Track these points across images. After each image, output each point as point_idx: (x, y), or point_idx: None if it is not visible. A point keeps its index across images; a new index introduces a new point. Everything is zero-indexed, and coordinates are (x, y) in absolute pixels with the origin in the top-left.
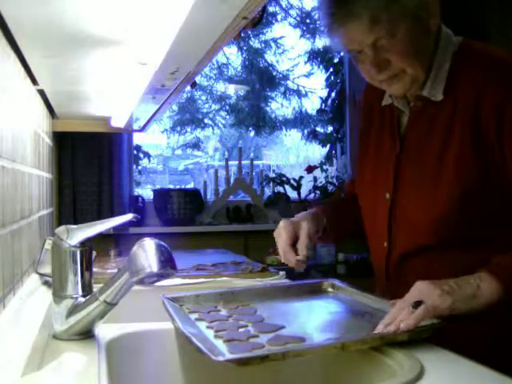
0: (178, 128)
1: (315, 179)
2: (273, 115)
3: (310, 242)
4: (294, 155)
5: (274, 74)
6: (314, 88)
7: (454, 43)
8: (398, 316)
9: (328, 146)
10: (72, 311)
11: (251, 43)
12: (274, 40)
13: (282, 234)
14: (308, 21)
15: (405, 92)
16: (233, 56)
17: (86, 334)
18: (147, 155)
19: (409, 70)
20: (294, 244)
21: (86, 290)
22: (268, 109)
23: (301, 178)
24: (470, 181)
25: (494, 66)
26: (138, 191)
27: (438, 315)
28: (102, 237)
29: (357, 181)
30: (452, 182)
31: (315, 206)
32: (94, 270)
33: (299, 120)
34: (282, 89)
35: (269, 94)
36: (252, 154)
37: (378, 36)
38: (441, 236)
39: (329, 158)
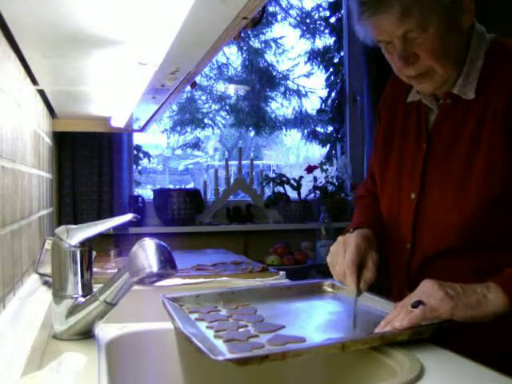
0: (178, 128)
1: (315, 179)
2: (273, 115)
3: (374, 273)
4: (294, 155)
5: (274, 74)
6: (314, 88)
7: (486, 40)
8: (397, 316)
9: (328, 145)
10: (72, 311)
11: (251, 43)
12: (274, 40)
13: (351, 248)
14: (308, 21)
15: (434, 90)
16: (233, 56)
17: (86, 334)
18: (147, 155)
19: (438, 69)
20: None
21: (86, 290)
22: (268, 109)
23: (301, 178)
24: (498, 182)
25: None
26: (137, 191)
27: (436, 318)
28: (101, 237)
29: (377, 179)
30: (481, 184)
31: (363, 222)
32: (94, 269)
33: (299, 120)
34: (282, 89)
35: (269, 94)
36: (252, 154)
37: (409, 28)
38: (467, 238)
39: (329, 158)
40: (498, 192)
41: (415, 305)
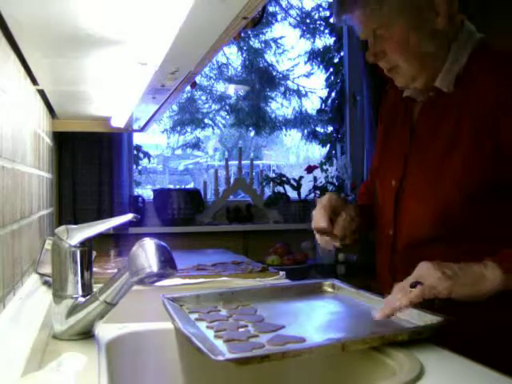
0: (178, 128)
1: (315, 179)
2: (273, 115)
3: (351, 222)
4: (294, 155)
5: (274, 74)
6: (313, 88)
7: (474, 40)
8: (395, 297)
9: (328, 145)
10: (72, 311)
11: (251, 43)
12: (274, 40)
13: (323, 201)
14: (308, 21)
15: (406, 85)
16: (233, 56)
17: (86, 334)
18: (147, 155)
19: (402, 65)
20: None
21: (86, 290)
22: (268, 109)
23: (301, 178)
24: (473, 178)
25: (506, 65)
26: (137, 191)
27: (435, 297)
28: (101, 237)
29: (376, 174)
30: (456, 179)
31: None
32: (94, 269)
33: (299, 120)
34: (282, 89)
35: (269, 94)
36: (252, 154)
37: (378, 25)
38: (442, 230)
39: (329, 158)
40: (473, 187)
41: (413, 285)
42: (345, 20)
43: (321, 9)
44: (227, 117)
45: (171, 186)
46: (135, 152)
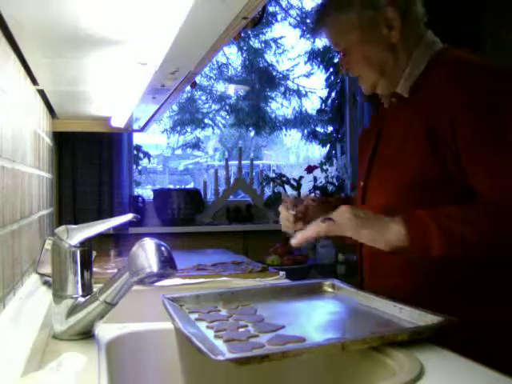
0: (178, 128)
1: (315, 179)
2: (273, 115)
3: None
4: (294, 155)
5: (274, 74)
6: (313, 88)
7: (435, 49)
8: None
9: (328, 145)
10: (72, 311)
11: (251, 43)
12: (274, 40)
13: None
14: (308, 21)
15: (370, 92)
16: (233, 56)
17: (86, 334)
18: (147, 155)
19: (364, 74)
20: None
21: (86, 290)
22: (268, 109)
23: (301, 178)
24: (424, 174)
25: (457, 72)
26: (137, 191)
27: (341, 233)
28: (101, 237)
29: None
30: (407, 174)
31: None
32: (94, 269)
33: (299, 120)
34: (282, 89)
35: (269, 94)
36: (252, 154)
37: (341, 40)
38: None
39: (329, 158)
40: (423, 183)
41: (323, 220)
42: (319, 34)
43: None
44: (227, 117)
45: (171, 186)
46: (135, 152)
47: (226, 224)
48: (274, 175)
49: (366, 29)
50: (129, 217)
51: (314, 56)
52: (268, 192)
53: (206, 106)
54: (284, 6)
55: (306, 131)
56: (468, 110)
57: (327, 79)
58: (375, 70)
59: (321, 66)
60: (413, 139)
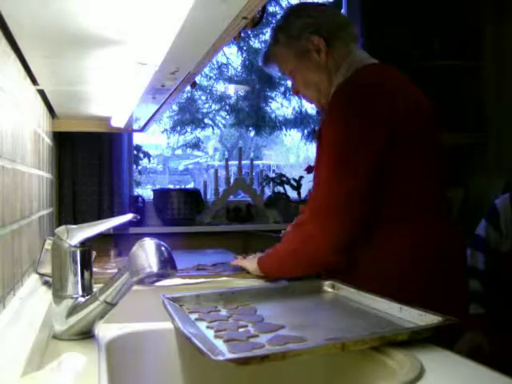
0: (178, 128)
1: None
2: (273, 115)
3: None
4: (294, 155)
5: (274, 73)
6: None
7: (355, 67)
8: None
9: None
10: (72, 311)
11: (251, 43)
12: None
13: None
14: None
15: (320, 107)
16: (233, 56)
17: (86, 334)
18: (147, 155)
19: (308, 94)
20: None
21: (86, 290)
22: (268, 109)
23: (301, 178)
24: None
25: (342, 84)
26: (137, 191)
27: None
28: (102, 237)
29: None
30: (317, 172)
31: None
32: (94, 269)
33: (299, 120)
34: (282, 89)
35: (269, 94)
36: (252, 154)
37: (283, 70)
38: None
39: None
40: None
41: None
42: (269, 66)
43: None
44: (227, 117)
45: (171, 186)
46: (135, 152)
47: (225, 224)
48: (273, 175)
49: (300, 57)
50: (129, 217)
51: None
52: (268, 192)
53: (206, 106)
54: (284, 5)
55: (306, 131)
56: (325, 127)
57: None
58: (315, 90)
59: None
60: (321, 146)
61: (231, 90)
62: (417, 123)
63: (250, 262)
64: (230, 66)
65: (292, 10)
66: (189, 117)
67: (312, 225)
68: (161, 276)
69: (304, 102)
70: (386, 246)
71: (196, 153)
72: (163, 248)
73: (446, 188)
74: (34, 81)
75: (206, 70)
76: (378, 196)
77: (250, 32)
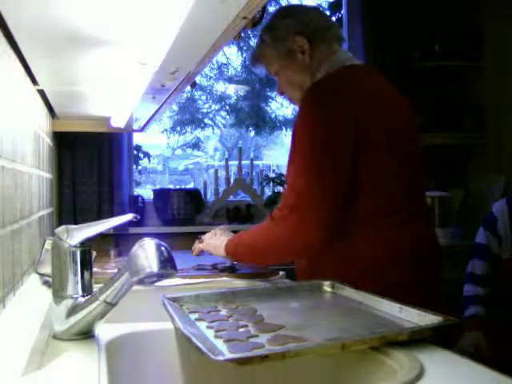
0: (178, 128)
1: None
2: (273, 115)
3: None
4: None
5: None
6: None
7: (335, 67)
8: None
9: None
10: (72, 311)
11: (251, 43)
12: None
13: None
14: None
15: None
16: (233, 56)
17: (86, 334)
18: (147, 155)
19: (293, 94)
20: None
21: (86, 290)
22: (268, 109)
23: None
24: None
25: (315, 84)
26: (137, 191)
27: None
28: (102, 237)
29: None
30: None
31: None
32: (94, 269)
33: None
34: None
35: (269, 94)
36: (252, 154)
37: (269, 70)
38: None
39: None
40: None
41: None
42: (256, 67)
43: (321, 9)
44: (227, 117)
45: (171, 186)
46: (135, 152)
47: (226, 224)
48: (273, 175)
49: (285, 57)
50: (129, 217)
51: None
52: (268, 192)
53: (206, 106)
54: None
55: None
56: (296, 126)
57: None
58: (299, 90)
59: None
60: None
61: (231, 89)
62: (390, 124)
63: (216, 248)
64: (230, 66)
65: (279, 12)
66: (189, 117)
67: (295, 217)
68: (161, 276)
69: None
70: (362, 245)
71: (196, 153)
72: (163, 248)
73: (425, 189)
74: (34, 81)
75: (206, 69)
76: (352, 196)
77: (250, 32)
